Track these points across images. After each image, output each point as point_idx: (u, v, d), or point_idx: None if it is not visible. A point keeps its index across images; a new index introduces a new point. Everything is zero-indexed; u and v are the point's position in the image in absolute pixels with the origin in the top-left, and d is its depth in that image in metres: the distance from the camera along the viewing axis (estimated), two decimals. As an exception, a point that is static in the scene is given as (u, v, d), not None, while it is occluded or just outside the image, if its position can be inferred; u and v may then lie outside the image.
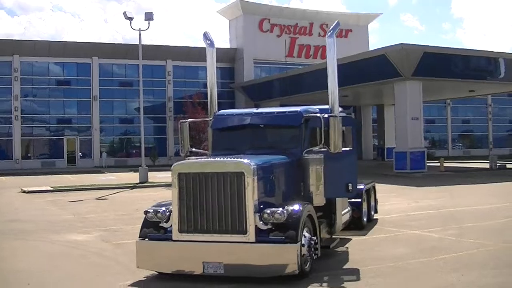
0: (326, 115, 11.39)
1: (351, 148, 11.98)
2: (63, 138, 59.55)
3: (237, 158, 10.36)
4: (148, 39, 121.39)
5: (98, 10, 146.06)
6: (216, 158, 10.71)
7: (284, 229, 9.67)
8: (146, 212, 10.58)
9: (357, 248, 13.05)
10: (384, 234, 14.99)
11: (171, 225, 10.20)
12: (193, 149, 12.88)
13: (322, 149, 11.32)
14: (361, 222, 15.59)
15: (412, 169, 38.74)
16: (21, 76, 56.89)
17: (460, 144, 79.08)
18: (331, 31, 12.53)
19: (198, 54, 61.91)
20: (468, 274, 10.11)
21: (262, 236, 9.67)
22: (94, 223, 18.67)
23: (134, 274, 10.65)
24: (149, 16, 35.13)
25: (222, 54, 63.60)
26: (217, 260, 9.74)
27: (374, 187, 17.83)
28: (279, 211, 9.64)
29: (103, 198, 27.02)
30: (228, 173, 9.83)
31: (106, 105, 60.41)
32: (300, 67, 58.92)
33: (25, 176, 44.33)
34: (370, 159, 64.22)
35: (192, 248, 9.96)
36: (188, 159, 11.91)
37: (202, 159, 11.16)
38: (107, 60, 59.41)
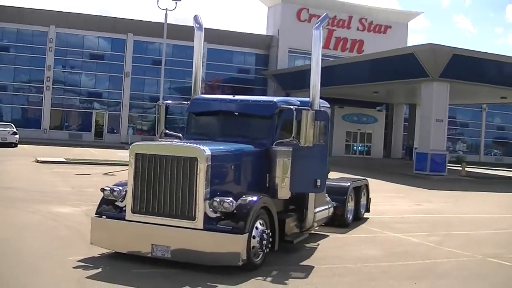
0: (299, 108, 11.22)
1: (323, 143, 11.76)
2: (92, 112, 60.39)
3: (196, 143, 10.23)
4: (177, 20, 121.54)
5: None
6: (174, 142, 10.63)
7: (233, 219, 9.53)
8: (102, 190, 10.55)
9: (328, 245, 12.82)
10: (364, 234, 14.72)
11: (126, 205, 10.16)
12: (167, 131, 12.80)
13: (293, 141, 11.14)
14: (344, 220, 15.32)
15: (431, 171, 38.14)
16: (56, 47, 57.75)
17: (496, 151, 77.71)
18: (318, 23, 12.32)
19: (234, 38, 62.18)
20: (420, 284, 9.81)
21: (210, 224, 9.54)
22: (88, 197, 18.62)
23: (91, 250, 10.61)
24: (177, -4, 35.26)
25: (258, 40, 63.75)
26: (165, 243, 9.65)
27: (366, 185, 17.50)
28: (228, 201, 9.49)
29: (110, 173, 27.11)
30: (182, 157, 9.71)
31: (138, 82, 60.82)
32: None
33: (49, 146, 45.02)
34: (398, 158, 63.70)
35: (142, 230, 9.87)
36: (160, 140, 11.89)
37: (161, 142, 11.09)
38: (142, 38, 59.64)
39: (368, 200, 17.66)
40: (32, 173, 25.79)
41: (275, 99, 12.09)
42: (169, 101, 13.66)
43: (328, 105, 13.86)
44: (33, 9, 58.27)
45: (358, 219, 16.50)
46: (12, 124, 46.33)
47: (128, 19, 62.28)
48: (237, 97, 12.63)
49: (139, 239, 9.92)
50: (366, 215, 17.33)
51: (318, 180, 11.43)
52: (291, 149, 11.11)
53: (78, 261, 10.02)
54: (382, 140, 66.15)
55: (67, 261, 10.01)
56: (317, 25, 12.24)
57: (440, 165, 38.84)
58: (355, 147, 64.94)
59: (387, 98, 62.10)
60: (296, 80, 57.07)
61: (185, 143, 10.38)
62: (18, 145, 43.61)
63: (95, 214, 10.62)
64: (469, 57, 38.77)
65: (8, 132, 43.51)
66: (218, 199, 9.52)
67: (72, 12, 60.25)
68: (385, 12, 68.57)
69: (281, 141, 11.31)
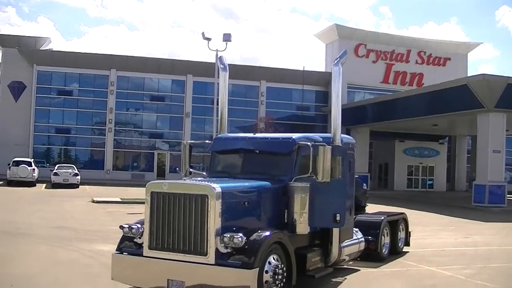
0: (315, 144, 11.41)
1: (340, 178, 11.82)
2: (154, 152, 61.61)
3: (209, 181, 10.52)
4: (245, 59, 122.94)
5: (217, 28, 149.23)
6: (187, 180, 10.94)
7: (245, 254, 9.72)
8: (121, 227, 10.94)
9: (354, 280, 12.81)
10: (397, 268, 14.61)
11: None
12: (192, 170, 13.18)
13: (311, 177, 11.29)
14: (379, 254, 15.28)
15: (490, 203, 37.34)
16: (117, 90, 59.48)
17: None
18: (338, 59, 12.56)
19: (293, 76, 62.55)
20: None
21: (221, 259, 9.74)
22: (134, 235, 19.11)
23: (114, 286, 10.95)
24: (226, 38, 35.91)
25: (317, 78, 63.79)
26: (180, 278, 9.89)
27: (404, 219, 17.37)
28: (238, 236, 9.68)
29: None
30: (194, 195, 9.99)
31: (198, 121, 61.74)
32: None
33: (110, 187, 46.00)
34: (462, 191, 62.40)
35: (159, 265, 10.15)
36: (184, 179, 12.22)
37: (175, 180, 11.40)
38: (201, 78, 60.07)
39: (408, 233, 17.51)
40: (85, 213, 26.56)
41: (294, 136, 12.26)
42: (193, 141, 14.07)
43: (353, 141, 13.97)
44: (95, 53, 60.40)
45: (397, 253, 16.36)
46: (74, 166, 47.84)
47: (187, 60, 63.81)
48: (257, 135, 12.91)
49: (156, 274, 10.20)
50: (406, 248, 17.17)
51: (337, 214, 11.52)
52: (308, 185, 11.26)
53: (99, 297, 10.40)
54: (445, 173, 65.09)
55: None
56: (336, 61, 12.47)
57: (499, 196, 37.98)
58: (417, 181, 64.09)
59: (449, 130, 61.27)
60: (355, 116, 56.46)
61: (197, 181, 10.67)
62: (80, 186, 44.88)
63: (116, 250, 10.96)
64: (525, 85, 37.97)
65: (70, 174, 44.96)
66: (228, 235, 9.73)
67: (132, 56, 62.06)
68: (443, 45, 67.90)
69: (300, 177, 11.50)
